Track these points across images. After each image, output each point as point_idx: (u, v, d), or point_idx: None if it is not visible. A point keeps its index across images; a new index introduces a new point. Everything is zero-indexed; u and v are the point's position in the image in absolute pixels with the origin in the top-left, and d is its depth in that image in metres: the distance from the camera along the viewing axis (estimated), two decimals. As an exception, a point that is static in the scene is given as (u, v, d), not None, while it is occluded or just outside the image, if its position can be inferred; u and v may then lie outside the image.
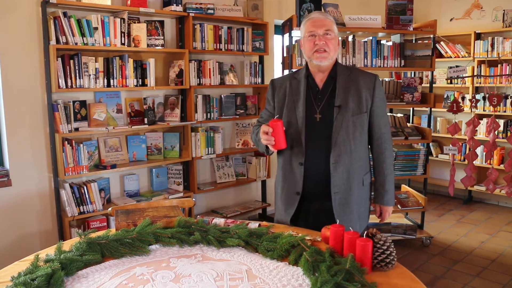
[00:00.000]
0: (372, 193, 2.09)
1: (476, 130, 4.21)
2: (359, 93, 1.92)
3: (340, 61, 3.58)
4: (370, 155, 2.07)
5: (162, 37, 3.52)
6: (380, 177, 2.02)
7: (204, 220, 1.83)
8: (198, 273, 1.44)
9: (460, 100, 4.44)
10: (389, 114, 4.18)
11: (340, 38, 3.59)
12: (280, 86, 2.04)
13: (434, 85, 4.68)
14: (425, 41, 4.07)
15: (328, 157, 1.89)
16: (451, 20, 5.36)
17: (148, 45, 3.42)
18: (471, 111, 4.57)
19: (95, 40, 3.12)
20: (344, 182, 1.91)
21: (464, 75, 3.83)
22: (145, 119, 3.49)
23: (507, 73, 4.73)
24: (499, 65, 4.80)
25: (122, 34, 3.24)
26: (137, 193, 3.59)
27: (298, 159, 1.93)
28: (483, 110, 4.92)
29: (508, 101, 4.73)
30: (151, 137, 3.65)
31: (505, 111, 4.78)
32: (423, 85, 4.13)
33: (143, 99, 3.59)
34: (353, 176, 1.92)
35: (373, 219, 2.43)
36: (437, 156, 5.41)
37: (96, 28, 3.11)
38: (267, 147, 1.90)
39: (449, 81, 4.93)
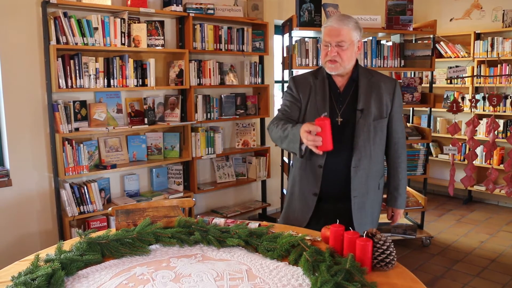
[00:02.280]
0: (384, 196, 2.10)
1: (476, 130, 4.21)
2: (380, 97, 1.92)
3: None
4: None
5: (162, 37, 3.52)
6: (394, 181, 2.05)
7: (204, 220, 1.83)
8: (198, 273, 1.44)
9: (460, 100, 4.44)
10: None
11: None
12: (303, 83, 1.99)
13: (434, 85, 4.68)
14: (425, 41, 4.07)
15: (349, 160, 1.89)
16: (451, 20, 5.37)
17: (148, 45, 3.42)
18: (471, 111, 4.57)
19: (95, 40, 3.12)
20: (362, 186, 1.92)
21: (464, 75, 3.84)
22: (145, 119, 3.50)
23: (507, 73, 4.73)
24: (498, 65, 4.80)
25: (122, 34, 3.24)
26: (137, 193, 3.59)
27: (318, 161, 1.92)
28: (483, 110, 4.92)
29: (508, 101, 4.73)
30: (151, 137, 3.65)
31: (504, 111, 4.78)
32: (423, 85, 4.13)
33: (143, 99, 3.60)
34: (371, 179, 1.94)
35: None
36: (437, 156, 5.41)
37: (96, 28, 3.12)
38: (301, 145, 1.75)
39: (449, 81, 4.93)
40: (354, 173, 1.89)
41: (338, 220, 1.61)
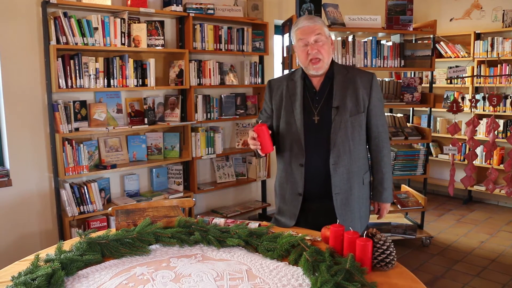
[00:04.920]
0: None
1: (476, 130, 4.22)
2: (356, 92, 1.92)
3: (340, 62, 3.59)
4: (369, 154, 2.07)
5: (162, 37, 3.53)
6: (378, 176, 2.03)
7: (204, 220, 1.84)
8: (198, 273, 1.45)
9: (460, 100, 4.44)
10: (389, 114, 4.19)
11: (339, 38, 3.59)
12: (277, 87, 2.05)
13: (434, 85, 4.68)
14: (425, 41, 4.07)
15: (328, 158, 1.89)
16: (451, 20, 5.37)
17: (148, 45, 3.42)
18: (471, 111, 4.58)
19: (95, 40, 3.12)
20: (344, 183, 1.91)
21: (464, 75, 3.84)
22: (145, 119, 3.50)
23: (507, 73, 4.73)
24: (498, 65, 4.80)
25: (122, 34, 3.24)
26: (137, 193, 3.59)
27: (298, 161, 1.93)
28: (483, 110, 4.92)
29: (508, 101, 4.73)
30: (151, 137, 3.65)
31: (504, 111, 4.78)
32: (423, 85, 4.13)
33: (143, 99, 3.60)
34: (353, 176, 1.93)
35: (374, 218, 2.44)
36: (437, 156, 5.41)
37: (96, 28, 3.12)
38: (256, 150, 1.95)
39: (449, 81, 4.93)
40: (333, 170, 1.89)
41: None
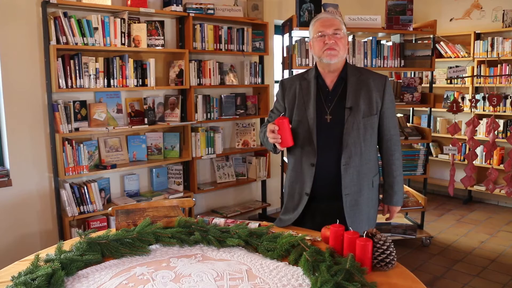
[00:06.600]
0: (381, 195, 2.09)
1: (476, 130, 4.21)
2: (369, 94, 1.92)
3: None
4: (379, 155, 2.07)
5: (162, 37, 3.53)
6: (389, 179, 2.03)
7: (204, 220, 1.84)
8: (198, 273, 1.45)
9: (460, 100, 4.44)
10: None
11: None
12: (290, 86, 2.04)
13: (434, 85, 4.68)
14: (425, 41, 4.07)
15: (339, 158, 1.89)
16: (451, 20, 5.37)
17: (148, 45, 3.42)
18: (471, 111, 4.58)
19: (95, 40, 3.12)
20: (354, 184, 1.91)
21: (464, 75, 3.84)
22: (145, 119, 3.50)
23: (507, 73, 4.73)
24: (498, 65, 4.80)
25: (122, 34, 3.24)
26: (137, 193, 3.59)
27: (309, 160, 1.92)
28: (483, 110, 4.92)
29: (508, 101, 4.73)
30: (151, 137, 3.65)
31: (504, 111, 4.78)
32: (423, 85, 4.13)
33: (143, 99, 3.60)
34: (363, 177, 1.92)
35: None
36: (437, 156, 5.42)
37: (96, 28, 3.12)
38: (274, 145, 1.91)
39: (449, 81, 4.93)
40: (344, 171, 1.89)
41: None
